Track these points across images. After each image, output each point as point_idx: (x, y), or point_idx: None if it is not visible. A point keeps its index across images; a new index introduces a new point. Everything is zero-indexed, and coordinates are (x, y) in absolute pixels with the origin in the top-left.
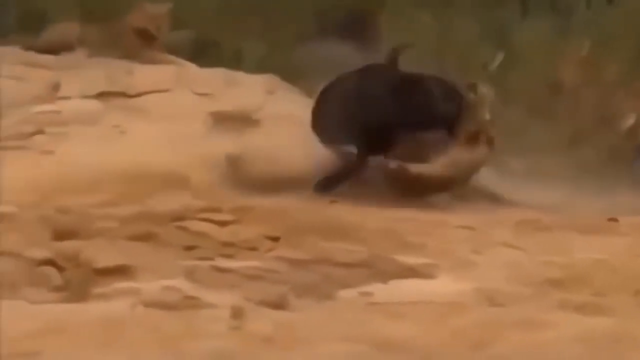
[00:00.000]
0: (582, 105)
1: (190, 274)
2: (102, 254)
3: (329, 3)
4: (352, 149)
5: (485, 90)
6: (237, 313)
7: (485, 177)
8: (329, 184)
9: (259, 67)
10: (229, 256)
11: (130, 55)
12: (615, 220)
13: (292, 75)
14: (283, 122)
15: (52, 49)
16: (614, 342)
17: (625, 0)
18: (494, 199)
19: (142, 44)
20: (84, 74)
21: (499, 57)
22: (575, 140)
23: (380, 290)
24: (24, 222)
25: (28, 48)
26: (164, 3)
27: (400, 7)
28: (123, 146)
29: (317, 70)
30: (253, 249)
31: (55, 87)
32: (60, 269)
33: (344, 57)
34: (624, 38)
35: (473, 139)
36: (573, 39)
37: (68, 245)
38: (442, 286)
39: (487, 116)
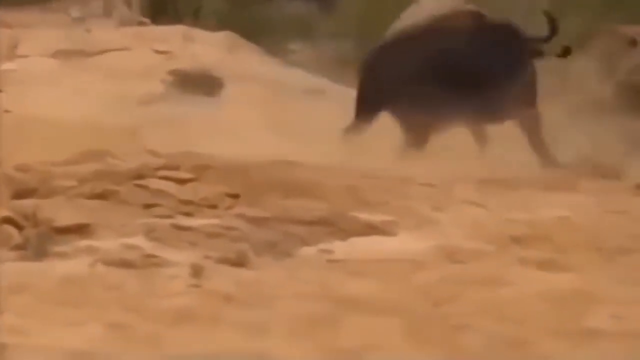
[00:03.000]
0: None
1: (150, 232)
2: (61, 213)
3: None
4: None
5: None
6: (196, 271)
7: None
8: None
9: (220, 24)
10: (188, 214)
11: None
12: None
13: (253, 32)
14: (243, 81)
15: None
16: (575, 298)
17: None
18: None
19: None
20: (43, 33)
21: None
22: None
23: (341, 248)
24: None
25: None
26: None
27: None
28: (82, 105)
29: (279, 28)
30: (213, 206)
31: (14, 45)
32: (19, 227)
33: (305, 15)
34: None
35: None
36: None
37: (27, 204)
38: (403, 244)
39: None
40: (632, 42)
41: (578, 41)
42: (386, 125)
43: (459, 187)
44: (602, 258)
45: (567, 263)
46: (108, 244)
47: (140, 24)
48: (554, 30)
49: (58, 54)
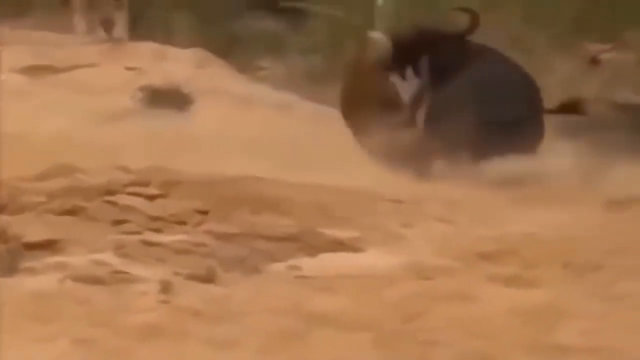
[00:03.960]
0: None
1: (119, 249)
2: (31, 229)
3: None
4: None
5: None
6: (165, 287)
7: None
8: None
9: (190, 41)
10: (157, 230)
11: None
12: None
13: (223, 49)
14: (213, 97)
15: None
16: (544, 314)
17: None
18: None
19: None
20: (13, 48)
21: None
22: None
23: (309, 264)
24: None
25: None
26: None
27: None
28: (51, 121)
29: (249, 44)
30: (182, 222)
31: None
32: None
33: (275, 31)
34: (558, 7)
35: None
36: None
37: None
38: (372, 260)
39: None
40: (594, 61)
41: (545, 57)
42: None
43: (427, 203)
44: (571, 274)
45: (536, 279)
46: (77, 260)
47: (115, 40)
48: (474, 23)
49: (27, 70)
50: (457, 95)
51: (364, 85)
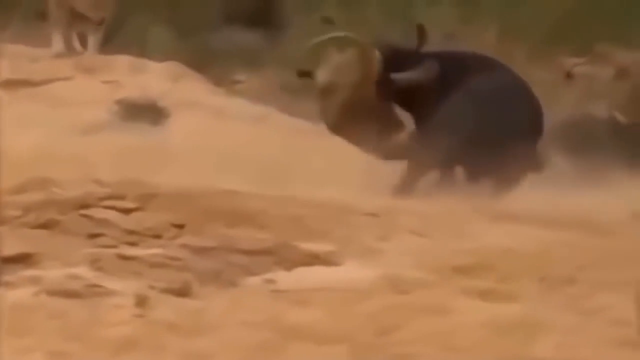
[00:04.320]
0: None
1: (94, 262)
2: (6, 242)
3: None
4: None
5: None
6: (141, 301)
7: None
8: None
9: (165, 54)
10: (133, 244)
11: None
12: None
13: (199, 62)
14: (188, 111)
15: None
16: (520, 327)
17: None
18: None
19: None
20: None
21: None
22: None
23: (285, 278)
24: None
25: None
26: None
27: None
28: (27, 134)
29: (225, 57)
30: (157, 236)
31: None
32: None
33: (251, 45)
34: (533, 22)
35: None
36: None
37: None
38: (347, 273)
39: None
40: (568, 75)
41: (521, 70)
42: (333, 155)
43: (403, 217)
44: (546, 287)
45: (512, 292)
46: (52, 273)
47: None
48: (422, 39)
49: (4, 84)
50: (451, 111)
51: (365, 99)
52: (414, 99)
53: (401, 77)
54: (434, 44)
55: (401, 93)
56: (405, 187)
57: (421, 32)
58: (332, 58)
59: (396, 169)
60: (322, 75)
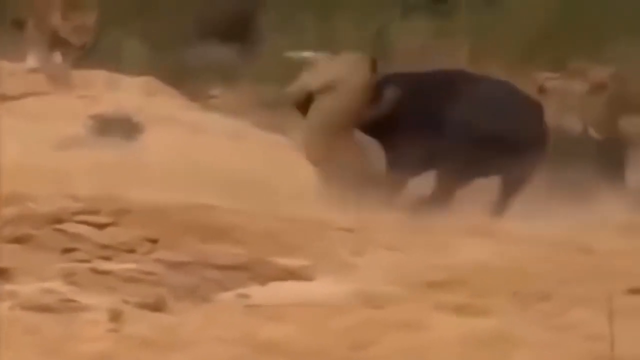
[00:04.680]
0: None
1: (68, 277)
2: None
3: (211, 5)
4: None
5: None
6: (115, 315)
7: None
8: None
9: (140, 69)
10: (107, 258)
11: None
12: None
13: (174, 77)
14: (163, 126)
15: None
16: (493, 342)
17: (506, 0)
18: None
19: None
20: None
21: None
22: None
23: (259, 293)
24: None
25: None
26: None
27: (281, 8)
28: (2, 148)
29: (200, 73)
30: (131, 251)
31: None
32: None
33: (226, 60)
34: (506, 37)
35: None
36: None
37: None
38: (322, 288)
39: None
40: (541, 89)
41: None
42: (307, 170)
43: (377, 231)
44: (520, 303)
45: (486, 308)
46: (26, 288)
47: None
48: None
49: None
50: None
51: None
52: (382, 128)
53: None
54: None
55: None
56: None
57: (373, 66)
58: (327, 62)
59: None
60: (316, 78)
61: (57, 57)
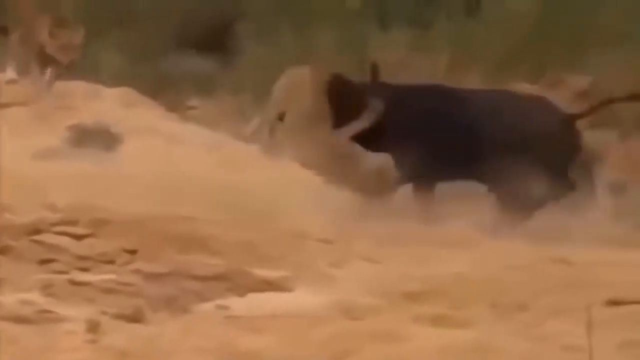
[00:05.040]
0: None
1: (46, 288)
2: None
3: (189, 16)
4: None
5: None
6: (93, 326)
7: None
8: None
9: (118, 80)
10: (85, 269)
11: None
12: None
13: (152, 88)
14: (141, 137)
15: None
16: (471, 353)
17: (485, 10)
18: None
19: None
20: None
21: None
22: None
23: (238, 304)
24: None
25: None
26: None
27: (260, 18)
28: None
29: (179, 83)
30: (110, 262)
31: None
32: None
33: (204, 71)
34: (485, 48)
35: None
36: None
37: None
38: (300, 299)
39: None
40: None
41: None
42: (286, 181)
43: (356, 243)
44: (499, 314)
45: (462, 318)
46: (4, 299)
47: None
48: (374, 77)
49: None
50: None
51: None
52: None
53: (347, 130)
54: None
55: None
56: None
57: (374, 70)
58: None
59: (348, 194)
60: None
61: (46, 73)
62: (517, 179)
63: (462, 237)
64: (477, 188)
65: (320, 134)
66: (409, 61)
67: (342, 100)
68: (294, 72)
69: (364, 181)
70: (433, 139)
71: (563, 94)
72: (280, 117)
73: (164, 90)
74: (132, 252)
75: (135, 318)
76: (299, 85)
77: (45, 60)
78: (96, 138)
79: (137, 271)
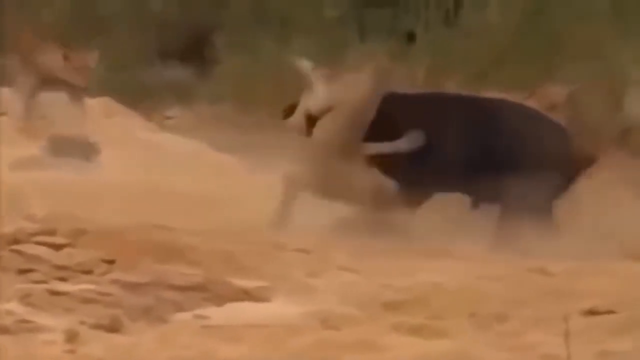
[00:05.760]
0: None
1: (25, 298)
2: None
3: (168, 26)
4: None
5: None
6: (71, 336)
7: None
8: None
9: (97, 90)
10: (63, 279)
11: None
12: None
13: (131, 98)
14: (120, 147)
15: None
16: None
17: (464, 21)
18: None
19: None
20: None
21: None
22: None
23: (216, 314)
24: None
25: None
26: None
27: (238, 28)
28: None
29: (157, 93)
30: (88, 272)
31: None
32: None
33: (183, 80)
34: (464, 57)
35: None
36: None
37: None
38: (278, 309)
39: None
40: None
41: None
42: (263, 191)
43: (333, 252)
44: (478, 324)
45: (443, 329)
46: None
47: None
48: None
49: None
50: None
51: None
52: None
53: (375, 147)
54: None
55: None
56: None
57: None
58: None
59: (327, 204)
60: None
61: (63, 97)
62: (522, 194)
63: (440, 248)
64: (460, 200)
65: (344, 146)
66: (387, 71)
67: (387, 118)
68: (352, 77)
69: (360, 196)
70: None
71: (539, 104)
72: (307, 117)
73: (142, 100)
74: (111, 262)
75: (113, 328)
76: (351, 90)
77: (54, 83)
78: (75, 148)
79: (115, 281)
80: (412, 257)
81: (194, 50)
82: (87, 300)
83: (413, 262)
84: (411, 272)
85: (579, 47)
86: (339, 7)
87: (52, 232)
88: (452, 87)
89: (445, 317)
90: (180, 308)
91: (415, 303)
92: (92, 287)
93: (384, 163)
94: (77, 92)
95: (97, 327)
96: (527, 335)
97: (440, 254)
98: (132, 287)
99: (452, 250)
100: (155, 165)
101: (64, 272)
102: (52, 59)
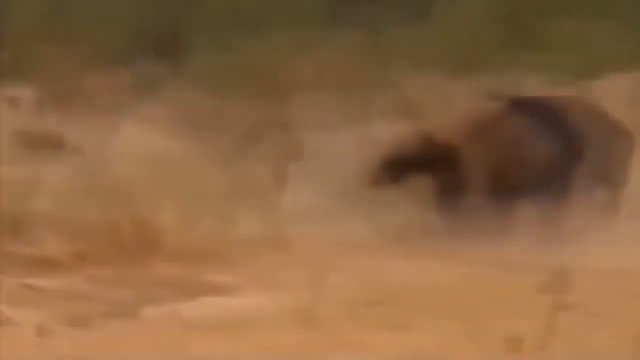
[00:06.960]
0: None
1: None
2: None
3: (142, 22)
4: None
5: None
6: (42, 331)
7: None
8: None
9: None
10: (35, 274)
11: None
12: None
13: None
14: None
15: None
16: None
17: (438, 16)
18: None
19: None
20: None
21: None
22: None
23: (189, 309)
24: None
25: None
26: None
27: (211, 25)
28: None
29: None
30: (60, 266)
31: None
32: None
33: (154, 74)
34: (435, 51)
35: None
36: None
37: None
38: (252, 305)
39: None
40: None
41: None
42: (235, 186)
43: (311, 249)
44: (455, 321)
45: (419, 327)
46: None
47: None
48: None
49: None
50: None
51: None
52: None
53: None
54: None
55: None
56: None
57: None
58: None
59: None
60: None
61: None
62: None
63: (415, 246)
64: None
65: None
66: (359, 67)
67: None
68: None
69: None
70: None
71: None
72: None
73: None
74: (83, 256)
75: (85, 323)
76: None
77: None
78: (46, 143)
79: (87, 276)
80: (387, 255)
81: (169, 47)
82: (58, 295)
83: (388, 260)
84: (390, 270)
85: (559, 38)
86: (313, 3)
87: (25, 227)
88: (424, 80)
89: (421, 315)
90: (153, 303)
91: (391, 300)
92: (64, 281)
93: None
94: None
95: (69, 322)
96: (497, 330)
97: (414, 253)
98: (105, 282)
99: (427, 249)
100: (129, 161)
101: (36, 267)
102: None
